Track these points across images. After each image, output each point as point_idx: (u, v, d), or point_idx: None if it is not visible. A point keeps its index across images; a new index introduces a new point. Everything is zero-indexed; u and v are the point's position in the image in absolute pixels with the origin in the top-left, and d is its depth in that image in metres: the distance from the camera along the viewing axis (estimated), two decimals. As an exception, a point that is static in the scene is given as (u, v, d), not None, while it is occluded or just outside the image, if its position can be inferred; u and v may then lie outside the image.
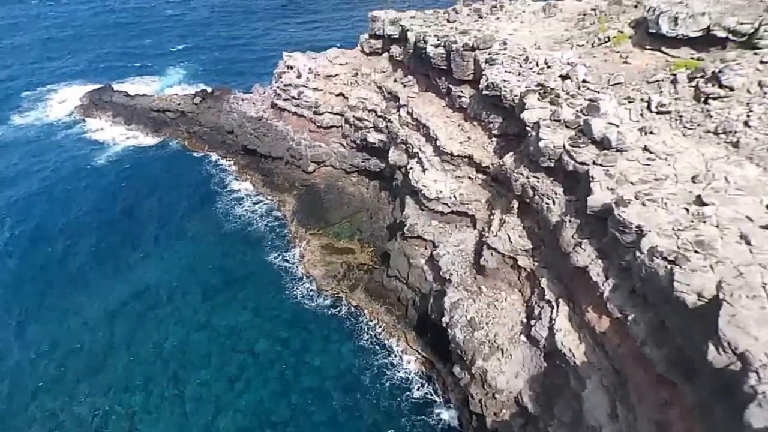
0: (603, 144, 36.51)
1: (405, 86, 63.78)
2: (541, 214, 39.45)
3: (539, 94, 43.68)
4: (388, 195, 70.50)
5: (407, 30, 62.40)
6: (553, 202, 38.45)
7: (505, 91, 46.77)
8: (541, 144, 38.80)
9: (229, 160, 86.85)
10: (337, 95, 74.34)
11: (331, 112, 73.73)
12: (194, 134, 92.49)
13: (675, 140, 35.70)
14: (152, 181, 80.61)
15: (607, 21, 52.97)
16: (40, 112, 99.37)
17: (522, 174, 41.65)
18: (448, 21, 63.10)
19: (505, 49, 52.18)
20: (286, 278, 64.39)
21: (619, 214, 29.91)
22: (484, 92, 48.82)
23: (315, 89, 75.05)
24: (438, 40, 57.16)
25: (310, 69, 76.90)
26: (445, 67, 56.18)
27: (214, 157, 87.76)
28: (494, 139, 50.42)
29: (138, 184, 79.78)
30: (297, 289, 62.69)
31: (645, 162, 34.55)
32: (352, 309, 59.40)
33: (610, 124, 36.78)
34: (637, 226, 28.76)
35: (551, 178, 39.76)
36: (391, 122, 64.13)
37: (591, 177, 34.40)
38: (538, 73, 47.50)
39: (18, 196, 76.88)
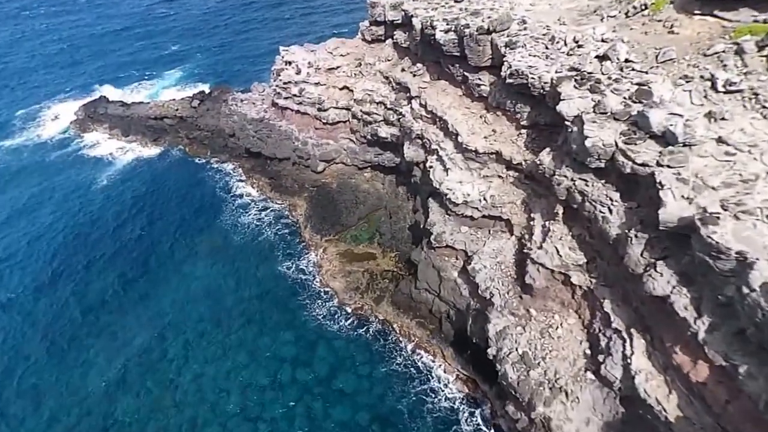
0: (665, 139, 29.87)
1: (415, 75, 56.83)
2: (594, 223, 33.05)
3: (575, 80, 36.83)
4: (406, 191, 64.16)
5: (411, 16, 55.05)
6: (610, 211, 32.01)
7: (532, 78, 39.99)
8: (588, 143, 32.18)
9: (234, 164, 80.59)
10: (341, 89, 67.43)
11: (336, 108, 66.95)
12: (195, 140, 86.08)
13: (755, 125, 28.98)
14: (155, 197, 74.63)
15: (639, -15, 45.44)
16: (33, 131, 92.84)
17: (565, 176, 35.11)
18: (456, 1, 55.59)
19: (525, 28, 45.10)
20: (304, 294, 58.60)
21: (708, 236, 23.42)
22: (508, 80, 41.88)
23: (317, 84, 68.15)
24: (447, 24, 50.12)
25: (309, 63, 69.87)
26: (458, 54, 49.26)
27: (217, 162, 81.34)
28: (523, 130, 43.60)
29: (140, 203, 73.80)
30: (317, 305, 56.93)
31: (723, 158, 28.01)
32: (380, 325, 53.61)
33: (672, 114, 29.99)
34: (737, 252, 22.32)
35: (603, 181, 33.27)
36: (403, 115, 57.29)
37: (659, 183, 27.89)
38: (569, 54, 40.53)
39: (10, 232, 70.84)
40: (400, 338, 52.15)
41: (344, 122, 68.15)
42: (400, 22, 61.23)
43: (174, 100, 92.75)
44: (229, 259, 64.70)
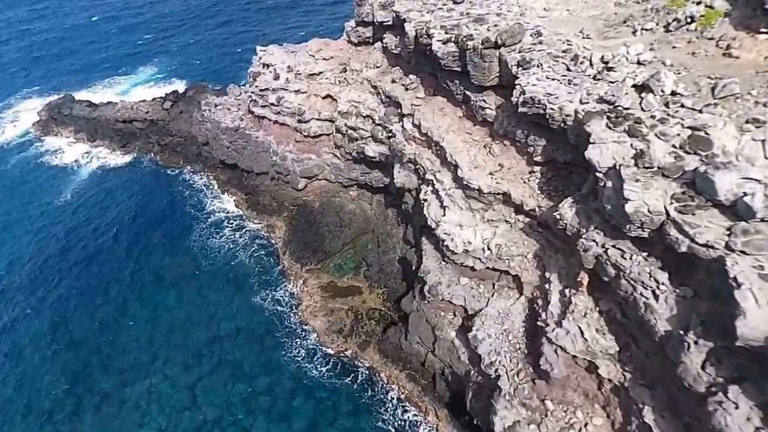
0: (736, 211, 22.09)
1: (407, 89, 48.62)
2: (633, 308, 25.37)
3: (608, 117, 28.88)
4: (396, 214, 56.39)
5: (404, 19, 46.65)
6: (655, 297, 24.40)
7: (551, 108, 31.93)
8: (629, 208, 24.43)
9: (208, 176, 72.41)
10: (324, 98, 59.16)
11: (318, 119, 58.73)
12: (167, 146, 77.65)
13: None
14: (121, 214, 66.53)
15: (677, -10, 37.40)
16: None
17: (594, 241, 27.35)
18: (455, 2, 47.25)
19: (540, 42, 36.99)
20: (282, 331, 51.34)
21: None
22: (521, 109, 33.82)
23: (297, 92, 59.78)
24: (446, 32, 41.82)
25: (289, 67, 61.39)
26: (458, 69, 40.92)
27: (190, 173, 73.07)
28: (537, 167, 35.74)
29: (104, 220, 65.72)
30: (295, 346, 49.85)
31: (823, 248, 20.21)
32: (365, 372, 46.62)
33: (747, 178, 22.19)
34: None
35: (645, 254, 25.51)
36: (393, 135, 49.20)
37: (733, 279, 20.12)
38: (596, 78, 32.50)
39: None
40: (388, 389, 45.06)
41: (327, 135, 59.90)
42: (390, 23, 52.78)
43: (144, 101, 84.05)
44: (200, 287, 57.28)
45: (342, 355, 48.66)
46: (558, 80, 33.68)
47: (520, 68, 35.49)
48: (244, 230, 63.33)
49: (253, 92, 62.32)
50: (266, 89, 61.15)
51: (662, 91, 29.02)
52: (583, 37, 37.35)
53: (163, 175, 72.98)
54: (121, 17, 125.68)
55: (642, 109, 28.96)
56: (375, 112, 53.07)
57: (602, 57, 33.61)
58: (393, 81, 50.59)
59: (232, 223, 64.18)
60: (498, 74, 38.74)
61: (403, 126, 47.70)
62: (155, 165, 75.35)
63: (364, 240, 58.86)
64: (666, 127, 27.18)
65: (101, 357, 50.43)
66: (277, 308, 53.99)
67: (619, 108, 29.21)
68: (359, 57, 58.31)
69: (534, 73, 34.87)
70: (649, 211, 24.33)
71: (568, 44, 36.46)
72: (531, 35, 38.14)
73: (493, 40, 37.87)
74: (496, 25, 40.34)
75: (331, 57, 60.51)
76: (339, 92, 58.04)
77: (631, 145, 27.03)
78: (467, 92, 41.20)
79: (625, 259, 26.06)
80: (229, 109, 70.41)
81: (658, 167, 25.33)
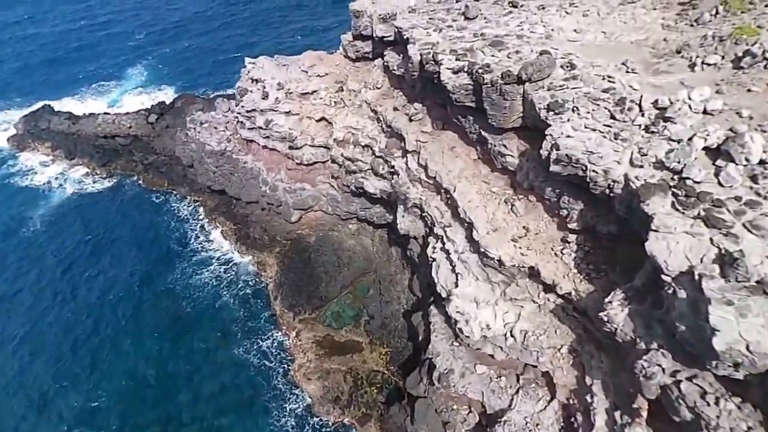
0: None
1: (411, 119, 41.31)
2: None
3: (674, 194, 21.51)
4: (401, 254, 49.34)
5: (407, 39, 39.17)
6: (757, 469, 17.08)
7: (594, 171, 24.58)
8: (719, 343, 17.51)
9: (195, 201, 65.51)
10: (318, 120, 51.97)
11: (312, 146, 51.57)
12: (151, 166, 70.71)
13: None
14: (96, 246, 60.01)
15: (745, 10, 29.72)
16: (-43, 151, 77.30)
17: (660, 367, 20.12)
18: (466, 18, 39.80)
19: (575, 77, 29.51)
20: (270, 392, 44.98)
21: None
22: (553, 167, 26.51)
23: (288, 114, 52.57)
24: (457, 60, 34.27)
25: (279, 84, 54.07)
26: (472, 105, 33.46)
27: (175, 198, 66.11)
28: (572, 236, 28.39)
29: (77, 253, 59.28)
30: (286, 413, 43.37)
31: None
32: (366, 450, 39.64)
33: None
34: None
35: (739, 399, 18.32)
36: (396, 172, 42.03)
37: None
38: (649, 131, 25.08)
39: None
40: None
41: (323, 162, 52.72)
42: (392, 39, 45.26)
43: (128, 113, 76.88)
44: (180, 334, 50.76)
45: (338, 423, 42.07)
46: (600, 131, 26.31)
47: (551, 112, 28.12)
48: (231, 267, 56.53)
49: (239, 113, 55.01)
50: (253, 110, 53.95)
51: (747, 159, 21.63)
52: (628, 71, 29.84)
53: (145, 201, 66.08)
54: (113, 21, 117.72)
55: (720, 184, 21.56)
56: (375, 141, 45.80)
57: (656, 102, 26.17)
58: (395, 108, 43.23)
59: (219, 260, 57.40)
60: (521, 114, 31.31)
61: (407, 163, 40.46)
62: (137, 188, 68.42)
63: (364, 282, 51.99)
64: (757, 213, 19.84)
65: (61, 419, 44.03)
66: (266, 363, 47.53)
67: (689, 181, 21.83)
68: (357, 75, 50.88)
69: (569, 119, 27.48)
70: (749, 350, 17.10)
71: (609, 81, 28.98)
72: (562, 66, 30.61)
73: (515, 74, 30.34)
74: (517, 52, 32.87)
75: (326, 74, 53.10)
76: (335, 115, 50.76)
77: (712, 240, 19.71)
78: (483, 132, 33.89)
79: (707, 402, 18.86)
80: (216, 128, 63.28)
81: (758, 282, 18.02)
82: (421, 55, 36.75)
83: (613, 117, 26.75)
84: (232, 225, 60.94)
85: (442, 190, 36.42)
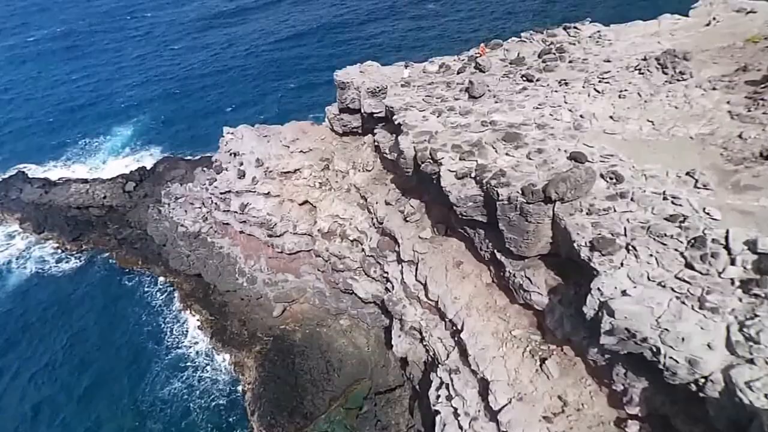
0: None
1: (406, 219, 32.75)
2: None
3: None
4: (401, 362, 39.89)
5: (399, 124, 30.71)
6: None
7: (671, 358, 15.54)
8: None
9: (170, 283, 56.63)
10: (302, 204, 43.56)
11: (294, 233, 42.72)
12: (125, 242, 62.25)
13: None
14: (51, 344, 51.23)
15: None
16: None
17: None
18: (471, 96, 31.32)
19: (623, 195, 20.74)
20: None
21: None
22: (604, 339, 17.44)
23: (267, 195, 44.30)
24: (461, 159, 25.71)
25: (258, 160, 45.80)
26: (483, 220, 24.70)
27: (150, 279, 57.47)
28: (634, 422, 19.18)
29: (28, 353, 50.22)
30: None
31: None
32: None
33: None
34: None
35: None
36: (388, 279, 33.08)
37: None
38: (748, 290, 16.06)
39: None
40: None
41: (308, 251, 43.95)
42: (382, 115, 36.91)
43: (104, 182, 68.92)
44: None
45: None
46: (674, 290, 17.33)
47: (596, 252, 19.21)
48: (206, 370, 47.66)
49: (212, 194, 46.56)
50: (228, 191, 45.51)
51: None
52: (696, 185, 20.99)
53: (116, 284, 57.41)
54: (103, 72, 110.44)
55: None
56: (365, 236, 37.15)
57: (752, 243, 17.24)
58: (387, 203, 34.46)
59: (193, 361, 48.53)
60: (550, 240, 22.45)
61: (402, 274, 31.68)
62: (108, 268, 59.82)
63: (358, 391, 42.95)
64: None
65: None
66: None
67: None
68: (345, 152, 42.60)
69: (622, 263, 18.58)
70: None
71: (674, 202, 20.23)
72: (603, 176, 21.91)
73: (541, 190, 21.60)
74: (540, 151, 24.49)
75: (310, 149, 44.90)
76: (319, 199, 42.35)
77: None
78: (498, 254, 25.00)
79: None
80: (192, 204, 54.93)
81: None
82: (415, 149, 28.13)
83: (690, 266, 17.86)
84: (209, 315, 52.15)
85: (447, 321, 27.40)
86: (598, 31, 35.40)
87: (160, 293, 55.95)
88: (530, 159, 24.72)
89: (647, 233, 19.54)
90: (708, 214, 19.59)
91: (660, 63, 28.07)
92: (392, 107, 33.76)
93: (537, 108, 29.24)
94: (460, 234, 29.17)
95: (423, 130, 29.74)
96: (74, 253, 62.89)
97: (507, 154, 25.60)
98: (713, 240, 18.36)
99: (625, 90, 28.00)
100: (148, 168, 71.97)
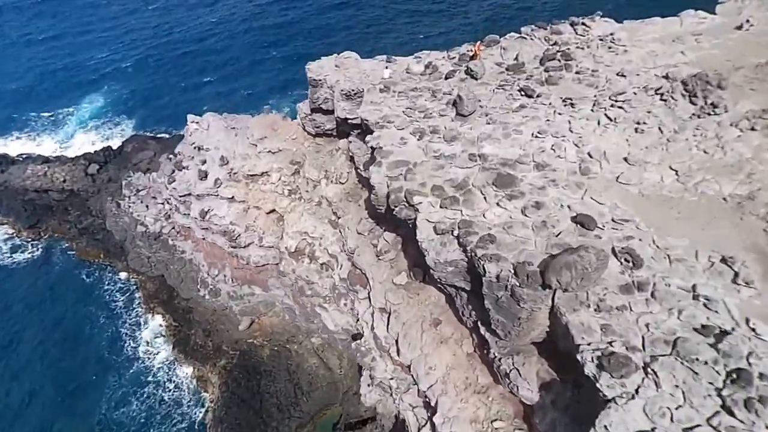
0: None
1: (379, 257, 27.82)
2: None
3: None
4: (372, 390, 35.70)
5: (370, 145, 25.51)
6: None
7: None
8: None
9: (134, 281, 51.95)
10: (269, 213, 38.24)
11: (260, 246, 37.83)
12: (86, 232, 57.24)
13: None
14: (1, 342, 46.51)
15: None
16: None
17: None
18: (459, 114, 26.02)
19: (641, 287, 16.12)
20: None
21: None
22: None
23: (231, 200, 39.18)
24: (441, 206, 20.83)
25: (222, 158, 40.50)
26: (466, 288, 19.88)
27: (111, 276, 52.91)
28: None
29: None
30: None
31: None
32: None
33: None
34: None
35: None
36: (358, 318, 28.51)
37: None
38: None
39: None
40: None
41: (276, 264, 39.25)
42: (358, 123, 31.51)
43: (66, 163, 63.17)
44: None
45: None
46: None
47: (605, 373, 14.60)
48: (167, 387, 43.52)
49: (171, 195, 41.34)
50: (188, 195, 40.20)
51: None
52: (735, 280, 16.21)
53: (74, 280, 52.73)
54: (74, 33, 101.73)
55: None
56: (335, 261, 32.48)
57: None
58: (359, 233, 29.47)
59: (153, 375, 44.45)
60: (546, 329, 17.76)
61: (373, 320, 26.95)
62: (67, 260, 54.98)
63: (326, 419, 39.25)
64: None
65: None
66: None
67: None
68: (317, 157, 37.33)
69: (638, 391, 14.06)
70: None
71: (707, 306, 15.57)
72: (616, 253, 17.08)
73: (537, 272, 16.78)
74: (537, 205, 19.46)
75: (279, 150, 39.56)
76: (288, 210, 37.41)
77: None
78: (483, 329, 20.31)
79: None
80: (154, 198, 49.73)
81: None
82: (389, 186, 22.98)
83: (729, 410, 13.29)
84: (173, 320, 47.86)
85: (420, 392, 22.96)
86: (611, 34, 29.63)
87: (122, 293, 51.40)
88: (526, 215, 19.78)
89: (672, 351, 14.89)
90: (753, 329, 14.91)
91: (687, 89, 22.71)
92: (367, 120, 28.32)
93: (537, 137, 24.03)
94: (439, 287, 24.37)
95: (400, 159, 24.54)
96: (31, 241, 57.87)
97: (498, 204, 20.59)
98: (761, 376, 13.68)
99: (644, 122, 22.76)
100: (115, 148, 65.97)
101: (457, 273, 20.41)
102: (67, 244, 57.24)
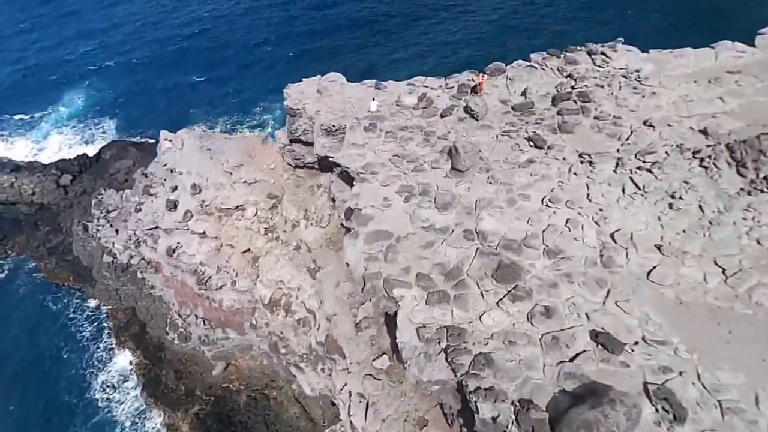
0: None
1: (358, 331, 24.15)
2: None
3: None
4: None
5: (347, 206, 21.35)
6: None
7: None
8: None
9: (103, 310, 48.20)
10: (244, 252, 34.12)
11: (234, 290, 33.79)
12: (55, 252, 53.46)
13: None
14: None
15: None
16: None
17: None
18: (454, 168, 21.87)
19: None
20: None
21: None
22: None
23: (202, 236, 34.97)
24: (427, 305, 16.78)
25: (194, 186, 36.34)
26: (457, 406, 15.76)
27: (80, 303, 49.22)
28: None
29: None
30: None
31: None
32: None
33: None
34: None
35: None
36: (337, 396, 24.57)
37: None
38: None
39: None
40: None
41: (251, 310, 35.24)
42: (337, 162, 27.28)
43: (34, 174, 59.00)
44: None
45: None
46: None
47: None
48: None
49: (137, 227, 37.22)
50: (155, 228, 36.05)
51: None
52: None
53: (39, 305, 49.07)
54: (58, 27, 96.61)
55: None
56: (313, 319, 28.55)
57: None
58: (337, 297, 25.34)
59: (120, 424, 40.36)
60: None
61: (350, 402, 22.93)
62: (32, 282, 51.36)
63: (307, 479, 35.23)
64: None
65: None
66: None
67: None
68: (297, 193, 33.24)
69: None
70: None
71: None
72: (651, 399, 13.04)
73: (546, 421, 12.66)
74: (548, 312, 15.68)
75: (256, 181, 35.44)
76: (263, 251, 33.41)
77: None
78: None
79: None
80: (125, 221, 45.47)
81: None
82: (366, 268, 18.84)
83: None
84: (143, 357, 44.10)
85: None
86: (637, 71, 25.20)
87: (90, 322, 47.76)
88: (533, 325, 15.75)
89: None
90: None
91: (733, 156, 18.41)
92: (347, 167, 24.08)
93: (548, 206, 19.87)
94: (428, 382, 20.30)
95: (381, 229, 20.41)
96: (-6, 260, 53.81)
97: (499, 305, 16.44)
98: None
99: (680, 197, 18.52)
100: (92, 155, 61.84)
101: (445, 391, 16.36)
102: (34, 264, 53.29)
